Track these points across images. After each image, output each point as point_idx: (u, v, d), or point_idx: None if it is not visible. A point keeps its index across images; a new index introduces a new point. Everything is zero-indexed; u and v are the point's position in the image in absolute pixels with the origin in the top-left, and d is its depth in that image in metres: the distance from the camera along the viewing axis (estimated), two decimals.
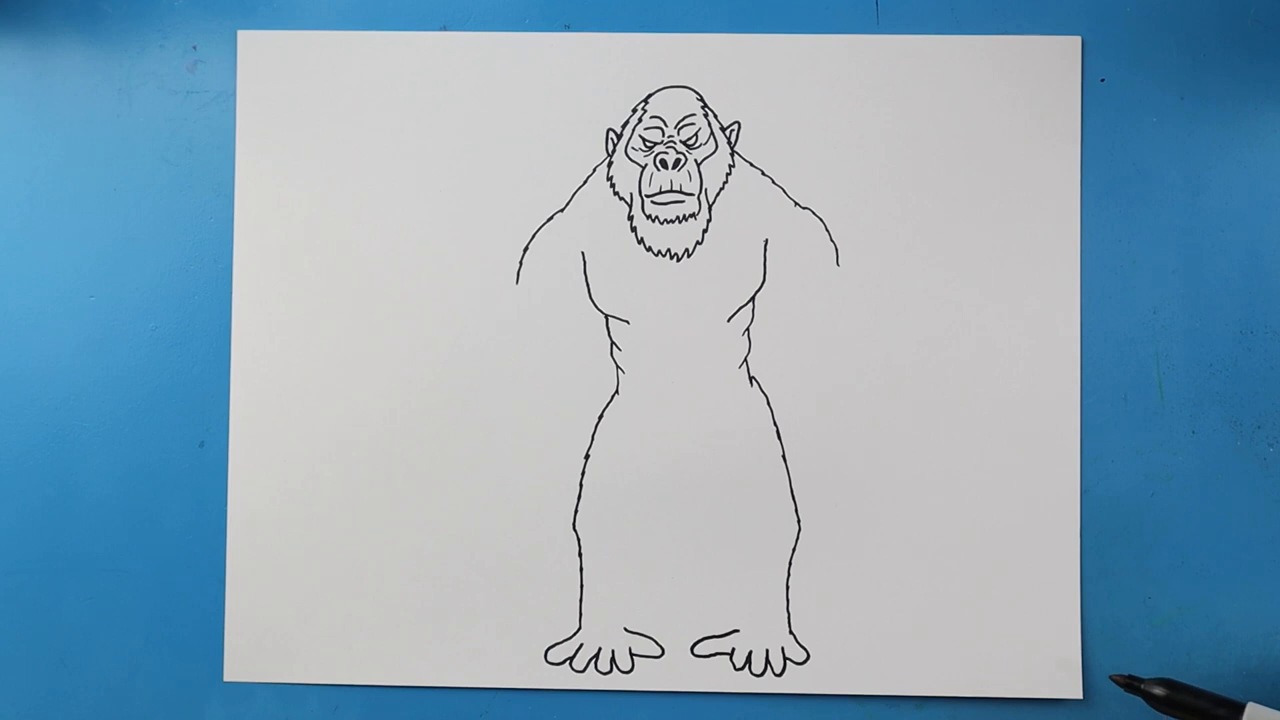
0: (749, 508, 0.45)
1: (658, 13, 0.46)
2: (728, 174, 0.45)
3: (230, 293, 0.46)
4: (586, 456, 0.45)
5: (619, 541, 0.45)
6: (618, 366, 0.45)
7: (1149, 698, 0.40)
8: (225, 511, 0.45)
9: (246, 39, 0.46)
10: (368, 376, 0.45)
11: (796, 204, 0.45)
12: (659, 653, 0.45)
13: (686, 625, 0.45)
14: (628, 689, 0.45)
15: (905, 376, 0.45)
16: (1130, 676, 0.41)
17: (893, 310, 0.45)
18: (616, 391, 0.45)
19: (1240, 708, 0.39)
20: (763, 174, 0.45)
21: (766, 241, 0.45)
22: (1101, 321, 0.45)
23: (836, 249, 0.45)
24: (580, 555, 0.45)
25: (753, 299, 0.45)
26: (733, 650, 0.45)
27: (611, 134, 0.45)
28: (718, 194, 0.45)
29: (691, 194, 0.45)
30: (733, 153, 0.45)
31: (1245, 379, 0.45)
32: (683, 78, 0.46)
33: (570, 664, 0.45)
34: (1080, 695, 0.44)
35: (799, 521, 0.45)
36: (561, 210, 0.45)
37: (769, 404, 0.45)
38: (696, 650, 0.45)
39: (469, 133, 0.46)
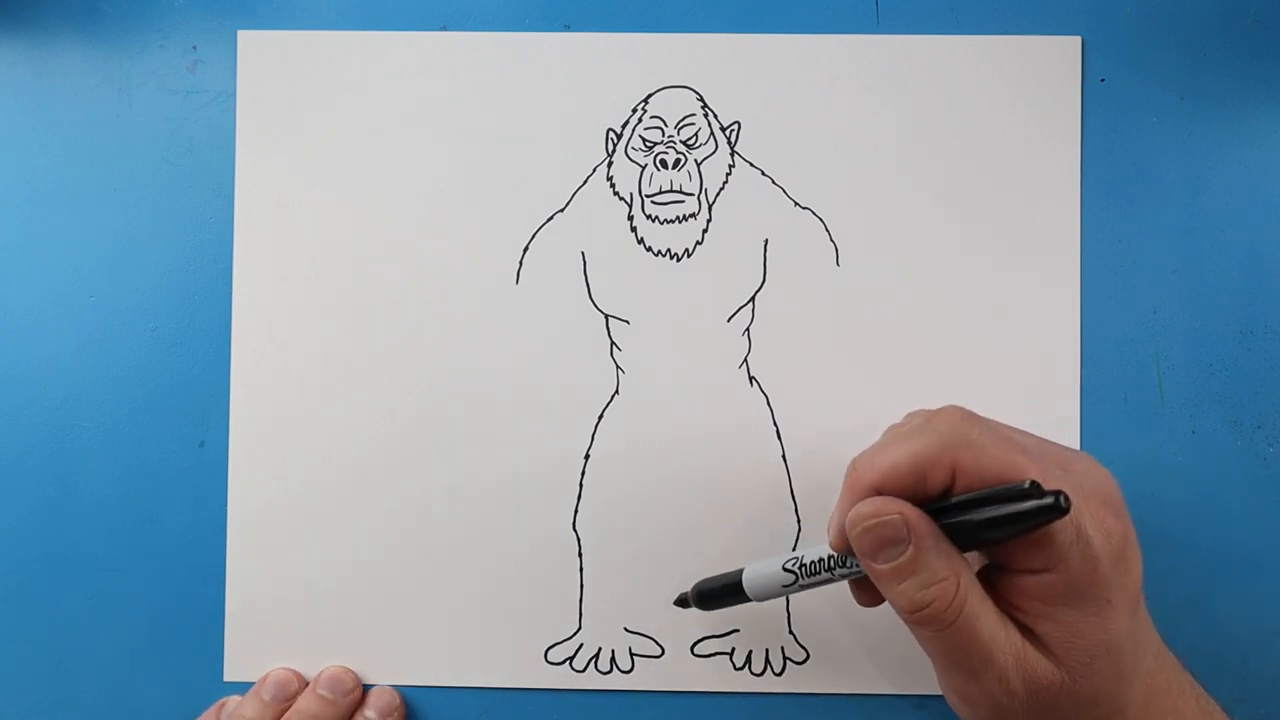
0: (749, 508, 0.45)
1: (658, 13, 0.46)
2: (728, 174, 0.45)
3: (230, 293, 0.46)
4: (586, 456, 0.45)
5: (619, 541, 0.45)
6: (618, 366, 0.45)
7: (695, 602, 0.42)
8: (225, 511, 0.45)
9: (246, 39, 0.46)
10: (367, 376, 0.45)
11: (796, 204, 0.45)
12: (659, 653, 0.45)
13: (686, 625, 0.45)
14: (628, 689, 0.45)
15: (905, 376, 0.45)
16: (682, 594, 0.43)
17: (893, 310, 0.45)
18: (616, 391, 0.45)
19: (740, 571, 0.40)
20: (763, 174, 0.45)
21: (766, 241, 0.45)
22: (1101, 321, 0.45)
23: (836, 249, 0.45)
24: (580, 555, 0.45)
25: (753, 299, 0.45)
26: (733, 650, 0.45)
27: (611, 134, 0.45)
28: (718, 194, 0.45)
29: (691, 194, 0.45)
30: (733, 153, 0.45)
31: (1245, 379, 0.45)
32: (683, 78, 0.46)
33: (570, 664, 0.45)
34: None
35: (799, 521, 0.45)
36: (561, 210, 0.45)
37: (769, 404, 0.45)
38: (696, 650, 0.45)
39: (469, 133, 0.46)
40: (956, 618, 0.33)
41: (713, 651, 0.45)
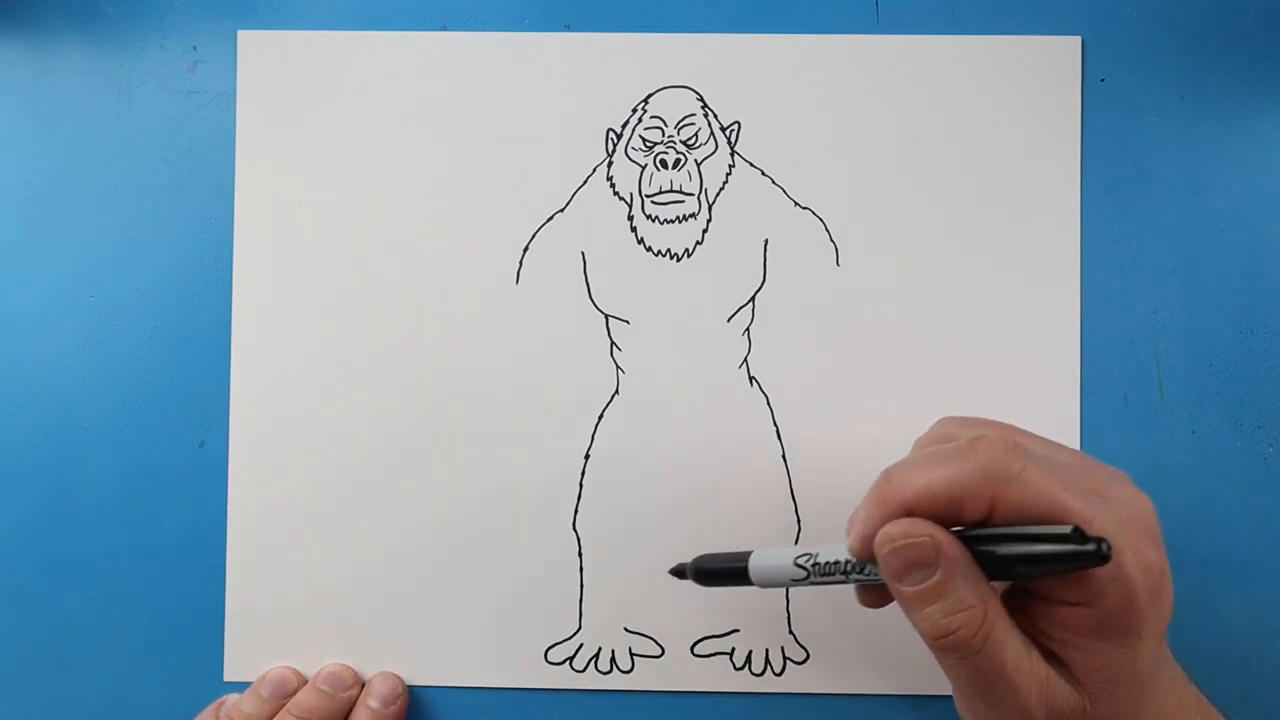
0: (749, 508, 0.45)
1: (658, 13, 0.46)
2: (728, 174, 0.45)
3: (230, 293, 0.46)
4: (586, 456, 0.45)
5: (619, 541, 0.45)
6: (618, 366, 0.45)
7: (694, 576, 0.40)
8: (225, 511, 0.45)
9: (246, 39, 0.46)
10: (367, 376, 0.45)
11: (796, 204, 0.45)
12: (659, 653, 0.45)
13: (686, 625, 0.45)
14: (628, 689, 0.45)
15: (905, 376, 0.45)
16: (680, 564, 0.41)
17: (893, 310, 0.45)
18: (616, 391, 0.45)
19: (747, 554, 0.39)
20: (763, 174, 0.45)
21: (766, 241, 0.45)
22: (1101, 321, 0.45)
23: (836, 249, 0.45)
24: (580, 555, 0.45)
25: (753, 299, 0.45)
26: (733, 650, 0.45)
27: (611, 134, 0.45)
28: (718, 194, 0.45)
29: (691, 194, 0.45)
30: (733, 153, 0.45)
31: (1245, 379, 0.45)
32: (683, 78, 0.46)
33: (570, 664, 0.45)
34: None
35: (799, 521, 0.45)
36: (561, 210, 0.46)
37: (769, 404, 0.45)
38: (696, 650, 0.45)
39: (469, 133, 0.46)
40: (982, 646, 0.32)
41: (713, 651, 0.45)
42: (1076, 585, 0.31)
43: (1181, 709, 0.35)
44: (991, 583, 0.33)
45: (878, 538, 0.33)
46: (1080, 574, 0.31)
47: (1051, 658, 0.33)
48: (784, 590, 0.45)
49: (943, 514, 0.32)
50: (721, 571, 0.40)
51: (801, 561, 0.37)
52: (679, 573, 0.41)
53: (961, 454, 0.32)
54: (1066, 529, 0.30)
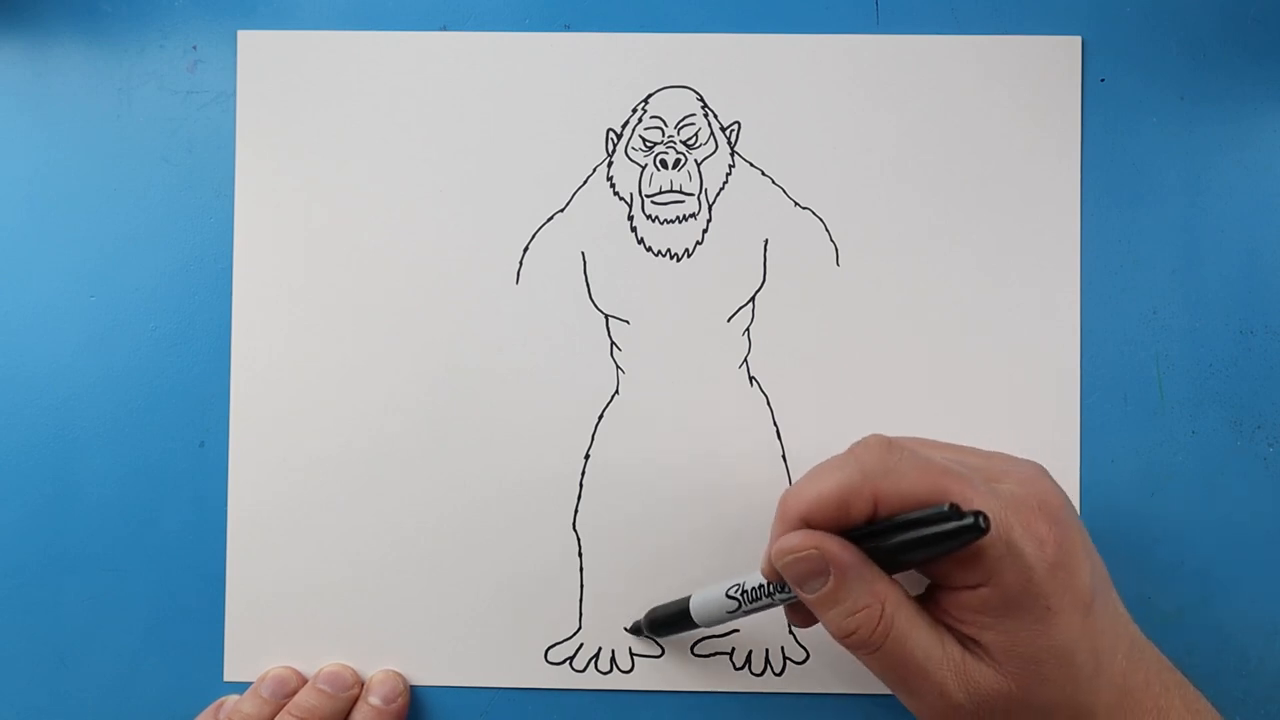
0: (749, 508, 0.45)
1: (658, 13, 0.46)
2: (728, 174, 0.45)
3: (230, 293, 0.46)
4: (586, 456, 0.45)
5: (619, 541, 0.45)
6: (618, 366, 0.45)
7: (648, 629, 0.43)
8: (225, 511, 0.45)
9: (246, 39, 0.46)
10: (368, 376, 0.45)
11: (796, 204, 0.45)
12: (659, 653, 0.45)
13: None
14: (628, 689, 0.45)
15: (905, 376, 0.45)
16: (635, 622, 0.44)
17: (893, 310, 0.45)
18: (616, 391, 0.45)
19: (689, 598, 0.41)
20: (763, 174, 0.45)
21: (766, 241, 0.45)
22: (1101, 322, 0.45)
23: (836, 249, 0.45)
24: (580, 555, 0.45)
25: (753, 299, 0.45)
26: (733, 650, 0.45)
27: (611, 134, 0.45)
28: (718, 194, 0.45)
29: (691, 194, 0.45)
30: (733, 153, 0.45)
31: (1245, 379, 0.45)
32: (683, 78, 0.46)
33: (570, 664, 0.45)
34: None
35: None
36: (561, 210, 0.46)
37: (769, 404, 0.45)
38: (696, 650, 0.45)
39: (468, 133, 0.46)
40: (883, 642, 0.34)
41: (713, 651, 0.45)
42: (972, 567, 0.33)
43: (1150, 689, 0.35)
44: (896, 578, 0.35)
45: (774, 552, 0.35)
46: (974, 556, 0.33)
47: (973, 644, 0.34)
48: None
49: (835, 519, 0.34)
50: (669, 619, 0.42)
51: (732, 593, 0.39)
52: (636, 630, 0.44)
53: (843, 460, 0.34)
54: (943, 507, 0.32)
